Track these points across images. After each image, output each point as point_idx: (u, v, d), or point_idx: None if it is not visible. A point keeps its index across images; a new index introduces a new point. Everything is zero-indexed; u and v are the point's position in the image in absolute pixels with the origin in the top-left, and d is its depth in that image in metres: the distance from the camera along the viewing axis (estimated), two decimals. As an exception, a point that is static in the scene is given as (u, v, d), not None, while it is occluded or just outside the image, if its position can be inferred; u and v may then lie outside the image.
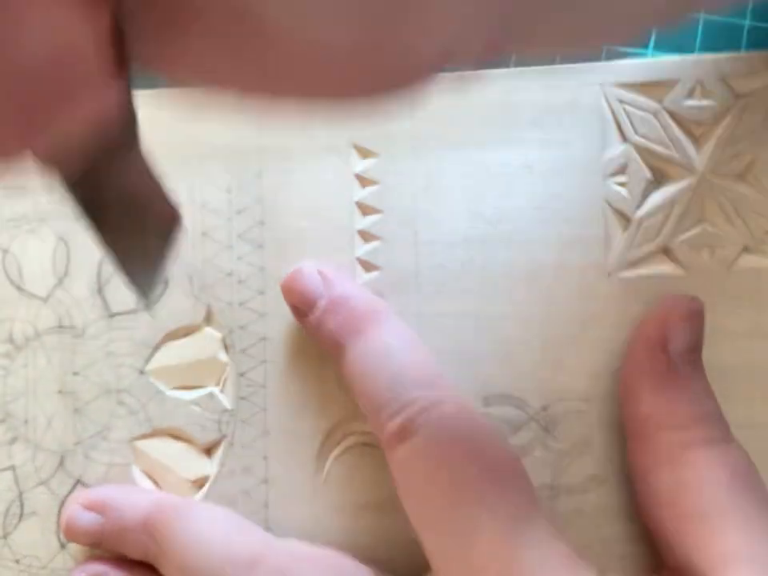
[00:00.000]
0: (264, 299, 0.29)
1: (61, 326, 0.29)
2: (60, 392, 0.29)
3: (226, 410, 0.29)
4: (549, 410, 0.28)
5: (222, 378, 0.29)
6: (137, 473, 0.29)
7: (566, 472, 0.28)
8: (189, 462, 0.29)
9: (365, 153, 0.29)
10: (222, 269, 0.29)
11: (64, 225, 0.29)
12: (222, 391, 0.29)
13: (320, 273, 0.27)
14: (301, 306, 0.27)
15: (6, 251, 0.30)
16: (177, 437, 0.29)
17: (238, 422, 0.29)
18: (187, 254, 0.29)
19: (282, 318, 0.29)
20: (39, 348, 0.29)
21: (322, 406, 0.29)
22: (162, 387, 0.29)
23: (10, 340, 0.29)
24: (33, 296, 0.29)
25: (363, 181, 0.29)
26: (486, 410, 0.28)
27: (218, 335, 0.29)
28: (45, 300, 0.29)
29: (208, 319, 0.29)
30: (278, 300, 0.29)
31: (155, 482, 0.29)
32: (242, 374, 0.29)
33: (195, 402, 0.29)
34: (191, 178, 0.29)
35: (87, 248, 0.29)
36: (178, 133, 0.29)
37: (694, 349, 0.25)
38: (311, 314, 0.27)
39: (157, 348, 0.29)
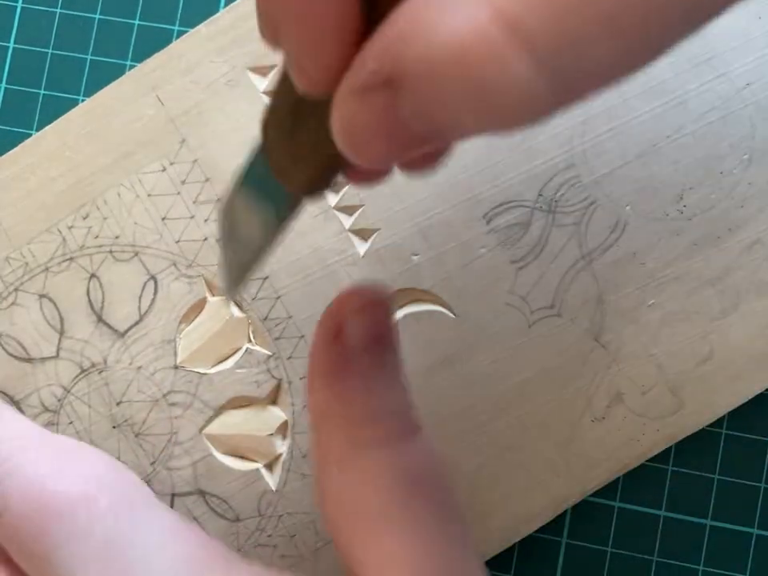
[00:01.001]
0: (247, 243, 0.29)
1: (83, 370, 0.29)
2: (114, 427, 0.29)
3: (269, 356, 0.29)
4: (545, 195, 0.29)
5: (250, 332, 0.29)
6: (222, 458, 0.29)
7: (589, 240, 0.29)
8: (262, 420, 0.29)
9: (262, 71, 0.30)
10: (195, 239, 0.29)
11: (42, 282, 0.29)
12: (255, 343, 0.29)
13: None
14: None
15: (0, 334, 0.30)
16: (239, 405, 0.29)
17: (285, 360, 0.29)
18: (159, 245, 0.29)
19: (273, 254, 0.29)
20: (74, 400, 0.29)
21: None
22: (202, 370, 0.29)
23: (45, 408, 0.29)
24: (44, 359, 0.29)
25: (275, 94, 0.29)
26: (489, 226, 0.29)
27: (224, 297, 0.29)
28: (56, 356, 0.29)
29: (209, 289, 0.29)
30: (259, 239, 0.29)
31: (242, 457, 0.29)
32: (264, 319, 0.29)
33: (239, 366, 0.29)
34: (126, 176, 0.29)
35: (69, 292, 0.29)
36: (96, 144, 0.30)
37: (376, 341, 0.23)
38: None
39: (177, 339, 0.29)
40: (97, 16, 0.33)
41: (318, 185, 0.20)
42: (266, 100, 0.29)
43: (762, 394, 0.29)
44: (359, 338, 0.22)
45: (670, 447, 0.30)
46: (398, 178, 0.29)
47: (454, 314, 0.29)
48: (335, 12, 0.15)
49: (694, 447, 0.30)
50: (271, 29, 0.17)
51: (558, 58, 0.13)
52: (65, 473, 0.24)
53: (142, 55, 0.30)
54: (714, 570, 0.30)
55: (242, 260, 0.23)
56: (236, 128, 0.29)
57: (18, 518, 0.23)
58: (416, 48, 0.14)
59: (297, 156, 0.20)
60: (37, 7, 0.33)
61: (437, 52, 0.14)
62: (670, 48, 0.14)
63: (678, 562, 0.30)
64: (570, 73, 0.14)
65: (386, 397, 0.23)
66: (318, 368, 0.23)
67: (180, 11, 0.33)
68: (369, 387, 0.22)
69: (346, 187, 0.29)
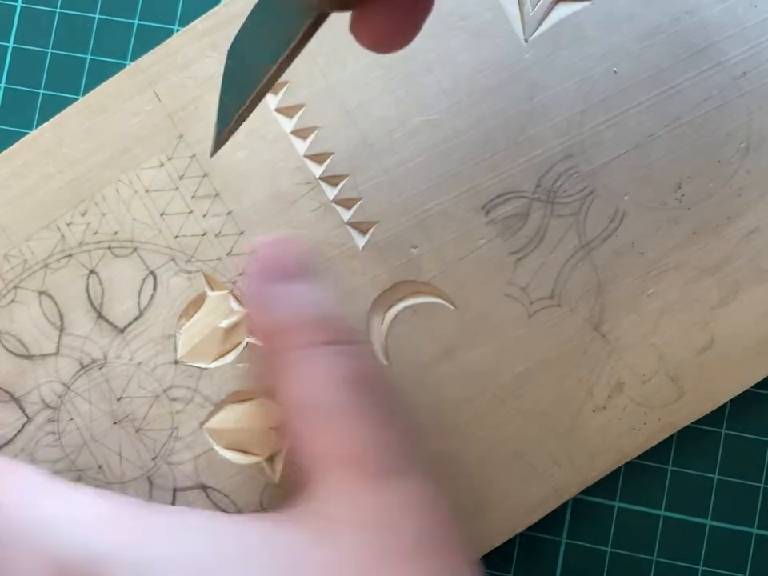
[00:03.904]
0: (246, 238, 0.29)
1: (83, 367, 0.29)
2: (115, 423, 0.29)
3: (268, 350, 0.29)
4: (543, 186, 0.29)
5: (250, 326, 0.29)
6: (223, 452, 0.29)
7: (588, 230, 0.29)
8: (263, 415, 0.29)
9: (260, 65, 0.30)
10: (194, 234, 0.29)
11: (41, 279, 0.29)
12: (255, 337, 0.29)
13: None
14: None
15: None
16: (240, 400, 0.29)
17: (285, 353, 0.29)
18: (158, 240, 0.29)
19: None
20: (75, 397, 0.29)
21: (352, 300, 0.29)
22: (202, 365, 0.29)
23: (45, 405, 0.29)
24: (44, 356, 0.29)
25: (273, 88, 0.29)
26: (488, 218, 0.29)
27: (224, 292, 0.29)
28: (56, 353, 0.29)
29: (209, 284, 0.29)
30: (259, 232, 0.29)
31: (243, 451, 0.29)
32: (264, 313, 0.29)
33: (239, 360, 0.29)
34: (124, 172, 0.29)
35: (69, 288, 0.29)
36: (93, 140, 0.30)
37: (292, 269, 0.26)
38: None
39: (177, 335, 0.29)
40: (96, 15, 0.33)
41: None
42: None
43: (761, 393, 0.30)
44: (280, 267, 0.26)
45: (670, 447, 0.30)
46: (396, 170, 0.29)
47: (454, 306, 0.29)
48: None
49: (694, 447, 0.30)
50: None
51: None
52: None
53: (141, 55, 0.30)
54: (714, 570, 0.30)
55: (243, 96, 0.23)
56: (233, 123, 0.29)
57: None
58: None
59: None
60: (36, 7, 0.34)
61: None
62: None
63: (677, 562, 0.30)
64: None
65: (309, 308, 0.26)
66: (252, 300, 0.26)
67: (180, 11, 0.33)
68: (292, 304, 0.26)
69: (345, 179, 0.29)
